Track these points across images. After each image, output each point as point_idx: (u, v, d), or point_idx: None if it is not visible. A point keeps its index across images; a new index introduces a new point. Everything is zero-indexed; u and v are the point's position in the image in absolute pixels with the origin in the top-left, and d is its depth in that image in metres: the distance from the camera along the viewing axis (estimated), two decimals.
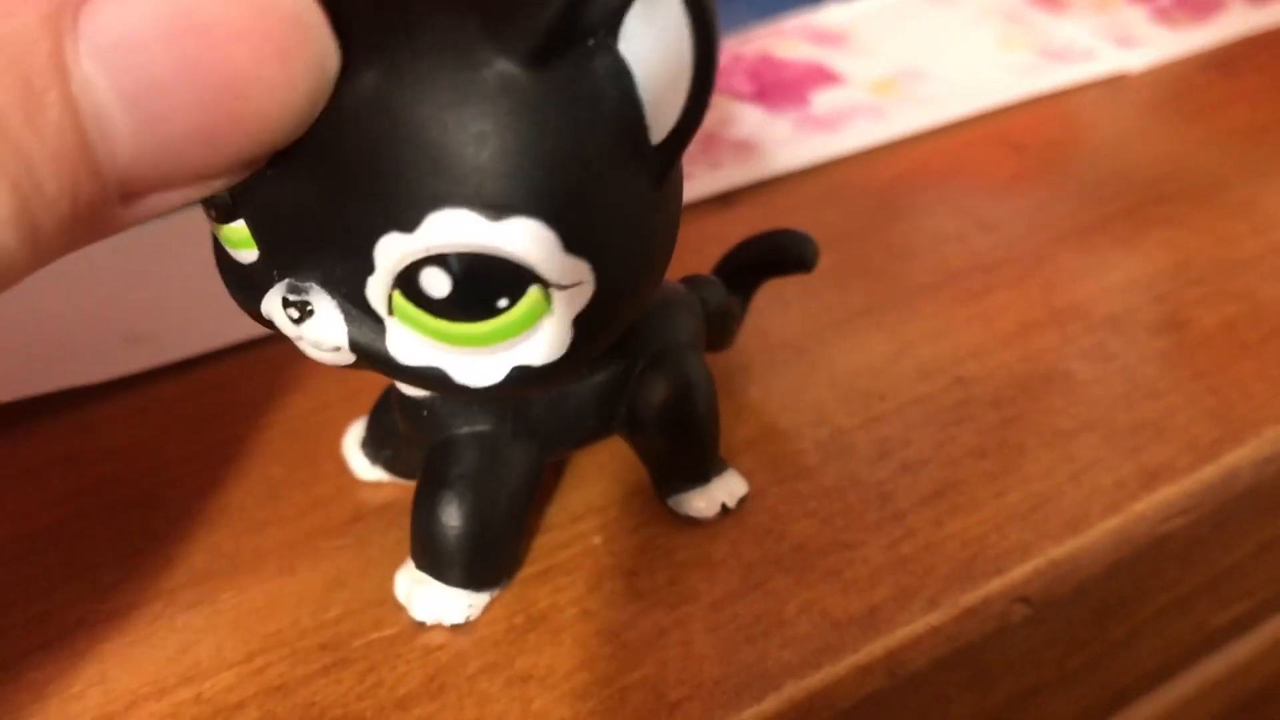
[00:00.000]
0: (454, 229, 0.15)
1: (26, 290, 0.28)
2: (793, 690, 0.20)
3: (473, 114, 0.15)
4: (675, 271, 0.20)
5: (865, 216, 0.32)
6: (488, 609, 0.21)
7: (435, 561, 0.20)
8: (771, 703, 0.20)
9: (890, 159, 0.35)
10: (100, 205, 0.14)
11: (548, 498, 0.23)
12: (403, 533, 0.22)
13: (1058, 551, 0.22)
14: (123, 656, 0.21)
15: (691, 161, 0.33)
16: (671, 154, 0.16)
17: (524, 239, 0.15)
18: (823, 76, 0.38)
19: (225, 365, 0.27)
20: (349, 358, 0.17)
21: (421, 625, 0.21)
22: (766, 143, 0.34)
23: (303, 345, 0.17)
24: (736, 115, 0.36)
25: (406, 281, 0.16)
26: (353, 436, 0.24)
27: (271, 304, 0.17)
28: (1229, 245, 0.31)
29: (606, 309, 0.17)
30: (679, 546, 0.22)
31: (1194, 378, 0.26)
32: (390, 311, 0.16)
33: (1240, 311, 0.28)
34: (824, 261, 0.24)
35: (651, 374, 0.21)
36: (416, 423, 0.21)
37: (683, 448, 0.22)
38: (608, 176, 0.16)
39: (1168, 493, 0.23)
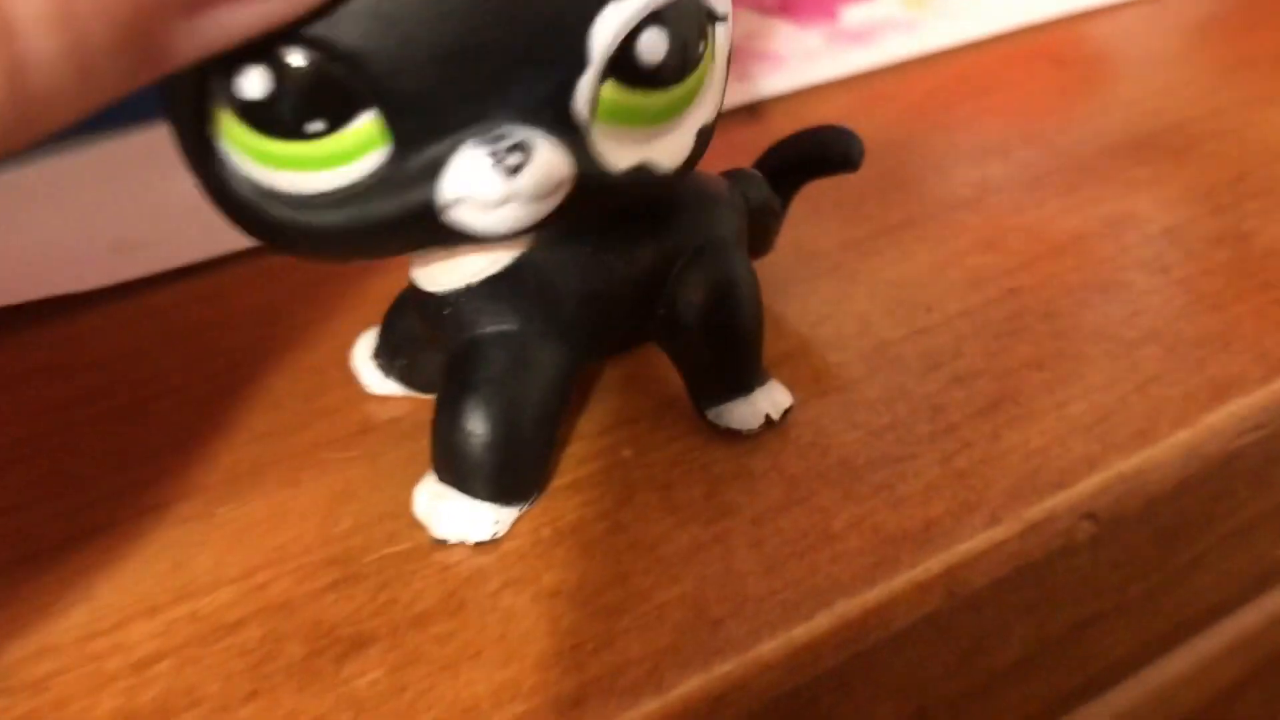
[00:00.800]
0: None
1: (11, 195, 0.27)
2: (845, 608, 0.18)
3: None
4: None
5: (902, 129, 0.30)
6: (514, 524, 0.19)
7: (459, 472, 0.19)
8: (823, 620, 0.18)
9: (925, 73, 0.33)
10: (159, 16, 0.12)
11: (573, 409, 0.21)
12: (417, 445, 0.21)
13: (1125, 465, 0.20)
14: (111, 572, 0.19)
15: None
16: None
17: None
18: None
19: (219, 274, 0.25)
20: (560, 197, 0.16)
21: (442, 542, 0.19)
22: (796, 55, 0.33)
23: (498, 215, 0.15)
24: (762, 29, 0.34)
25: (620, 62, 0.15)
26: (363, 348, 0.22)
27: (469, 174, 0.15)
28: None
29: (730, 48, 0.17)
30: (715, 460, 0.21)
31: (1259, 289, 0.25)
32: (596, 115, 0.15)
33: None
34: (860, 173, 0.23)
35: (692, 271, 0.20)
36: (438, 322, 0.19)
37: (725, 353, 0.20)
38: None
39: (1239, 406, 0.22)
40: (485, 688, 0.17)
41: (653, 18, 0.15)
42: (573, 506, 0.20)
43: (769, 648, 0.17)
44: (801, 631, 0.18)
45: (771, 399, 0.21)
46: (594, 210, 0.17)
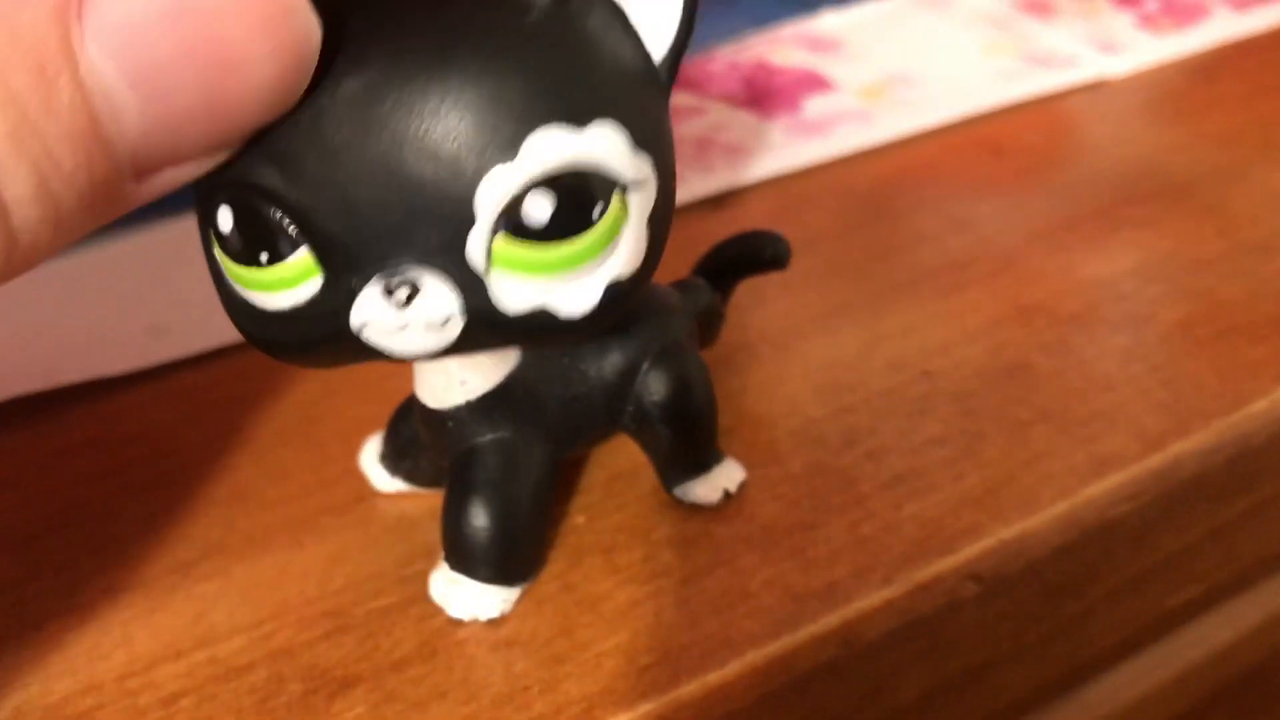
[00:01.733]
0: (550, 145, 0.17)
1: (55, 285, 0.30)
2: (754, 657, 0.22)
3: (533, 45, 0.17)
4: (667, 270, 0.21)
5: (847, 218, 0.34)
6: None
7: (468, 561, 0.22)
8: (734, 668, 0.21)
9: (875, 163, 0.37)
10: (115, 181, 0.15)
11: None
12: (401, 513, 0.24)
13: (1007, 532, 0.24)
14: (145, 622, 0.23)
15: (685, 165, 0.34)
16: (672, 71, 0.19)
17: (606, 141, 0.17)
18: (815, 83, 0.40)
19: (240, 357, 0.29)
20: (453, 331, 0.18)
21: (414, 598, 0.23)
22: (757, 147, 0.36)
23: (400, 339, 0.18)
24: (729, 121, 0.38)
25: (508, 220, 0.17)
26: (370, 452, 0.25)
27: (368, 305, 0.17)
28: (1194, 246, 0.32)
29: (664, 208, 0.19)
30: (655, 526, 0.24)
31: (1149, 372, 0.28)
32: (492, 263, 0.17)
33: (1199, 309, 0.30)
34: (805, 262, 0.26)
35: (654, 373, 0.23)
36: (441, 434, 0.22)
37: (685, 440, 0.24)
38: (640, 83, 0.18)
39: (1116, 479, 0.25)
40: None
41: (538, 183, 0.17)
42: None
43: (687, 690, 0.21)
44: (715, 677, 0.21)
45: (728, 475, 0.25)
46: (500, 343, 0.20)
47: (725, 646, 0.22)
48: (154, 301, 0.30)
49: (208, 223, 0.18)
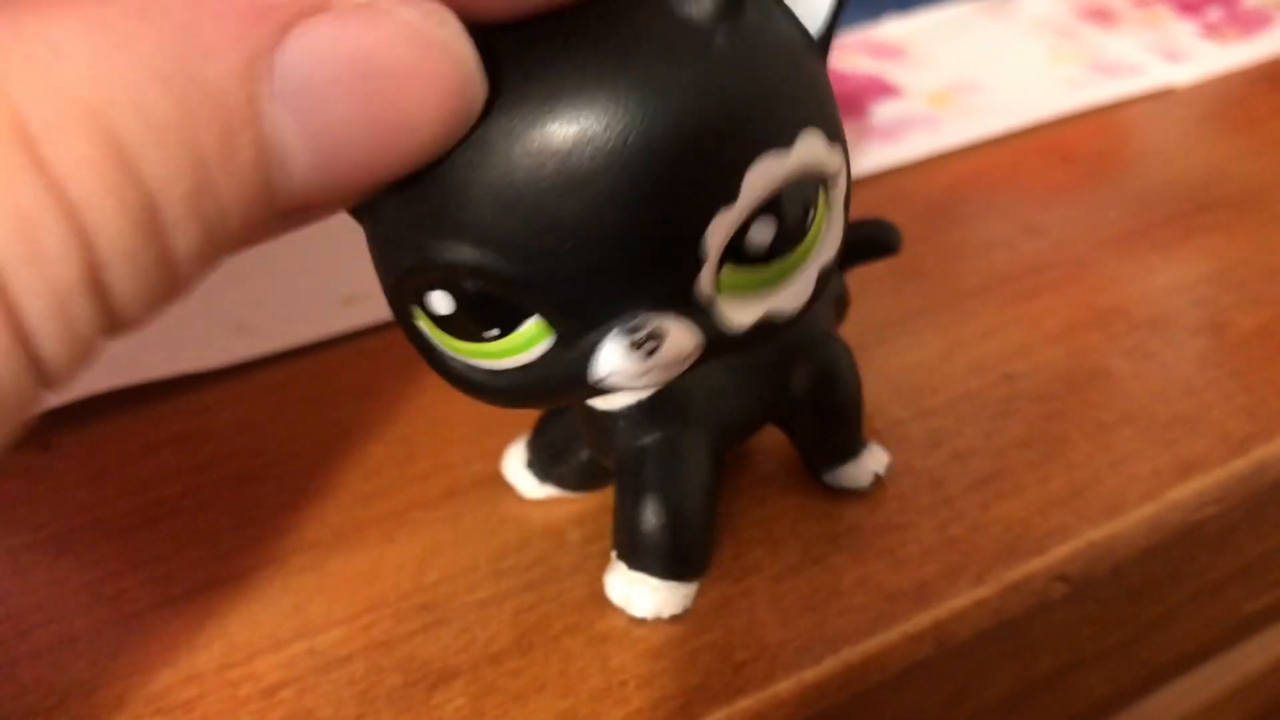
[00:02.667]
0: (766, 175, 0.16)
1: None
2: (848, 654, 0.22)
3: (727, 73, 0.16)
4: None
5: (920, 223, 0.34)
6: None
7: (648, 560, 0.22)
8: (829, 665, 0.22)
9: (945, 168, 0.37)
10: (265, 223, 0.15)
11: None
12: (492, 507, 0.25)
13: (1095, 534, 0.24)
14: (242, 614, 0.23)
15: None
16: (828, 40, 0.18)
17: (810, 149, 0.17)
18: (881, 89, 0.40)
19: (325, 355, 0.29)
20: (693, 360, 0.18)
21: (509, 591, 0.23)
22: None
23: (643, 380, 0.17)
24: None
25: (735, 250, 0.17)
26: (514, 461, 0.25)
27: (613, 357, 0.17)
28: (1268, 252, 0.32)
29: (849, 186, 0.19)
30: (744, 525, 0.24)
31: (1229, 376, 0.28)
32: (717, 293, 0.17)
33: (1277, 314, 0.30)
34: (880, 266, 0.26)
35: (804, 364, 0.23)
36: (610, 435, 0.22)
37: (834, 428, 0.24)
38: (815, 69, 0.18)
39: (1201, 483, 0.25)
40: (548, 715, 0.21)
41: (760, 209, 0.17)
42: None
43: (783, 687, 0.21)
44: (811, 674, 0.21)
45: (876, 459, 0.25)
46: (730, 356, 0.19)
47: (820, 644, 0.22)
48: (239, 300, 0.30)
49: (411, 300, 0.18)
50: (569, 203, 0.16)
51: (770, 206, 0.17)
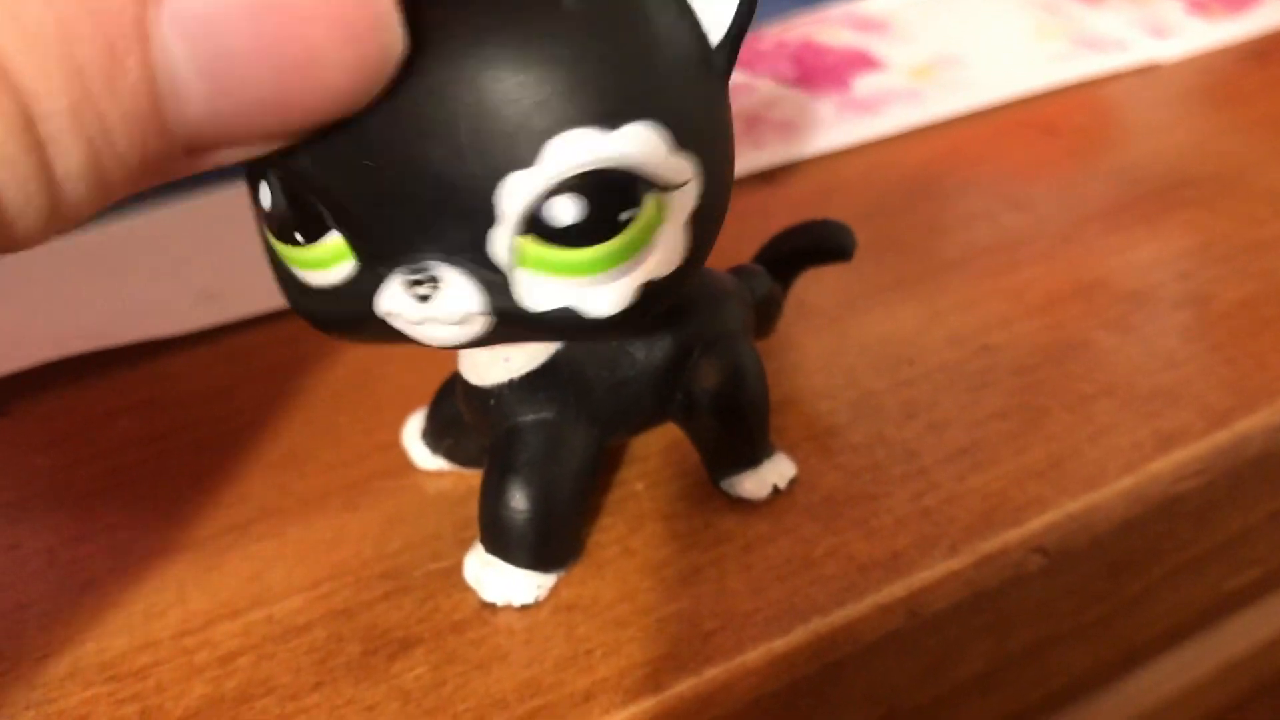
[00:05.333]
0: (575, 149, 0.16)
1: (107, 249, 0.30)
2: (819, 624, 0.21)
3: (567, 38, 0.16)
4: (721, 249, 0.20)
5: (900, 195, 0.34)
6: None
7: (504, 545, 0.21)
8: (799, 635, 0.21)
9: (926, 141, 0.36)
10: (165, 158, 0.15)
11: None
12: (458, 477, 0.24)
13: (1073, 505, 0.23)
14: (200, 581, 0.22)
15: (736, 141, 0.34)
16: (731, 56, 0.18)
17: (640, 143, 0.16)
18: (864, 62, 0.40)
19: (291, 322, 0.28)
20: (477, 326, 0.17)
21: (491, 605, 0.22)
22: (808, 124, 0.36)
23: (424, 330, 0.17)
24: (780, 98, 0.37)
25: (532, 221, 0.16)
26: (412, 428, 0.25)
27: (391, 295, 0.17)
28: (1253, 227, 0.32)
29: (711, 207, 0.18)
30: (715, 494, 0.24)
31: (1212, 349, 0.27)
32: (516, 261, 0.17)
33: (1260, 289, 0.30)
34: (859, 237, 0.26)
35: (705, 361, 0.22)
36: (484, 412, 0.21)
37: (734, 432, 0.23)
38: (692, 73, 0.17)
39: (1181, 455, 0.25)
40: (511, 684, 0.20)
41: (565, 185, 0.16)
42: (590, 533, 0.23)
43: (752, 656, 0.21)
44: (780, 644, 0.21)
45: (778, 470, 0.24)
46: (527, 338, 0.19)
47: (790, 614, 0.21)
48: (205, 266, 0.30)
49: (255, 198, 0.18)
50: (389, 127, 0.16)
51: (576, 187, 0.16)
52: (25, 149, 0.13)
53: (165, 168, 0.15)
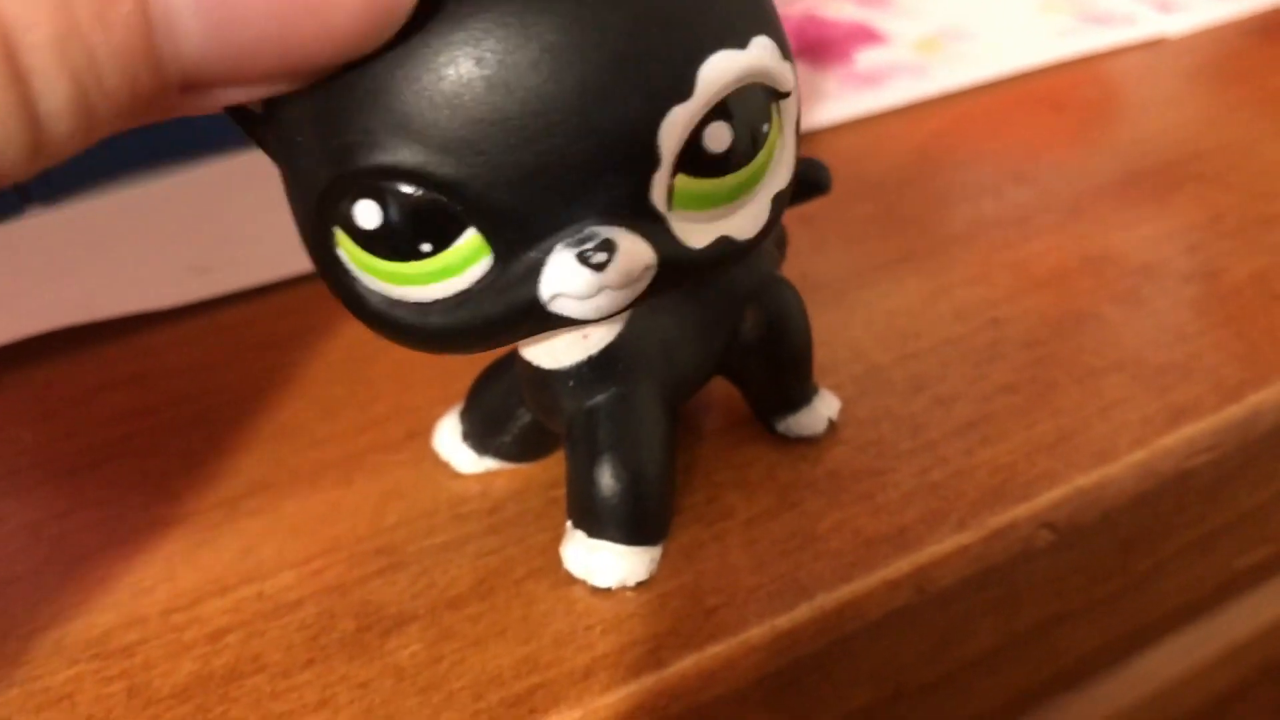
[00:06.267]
0: (722, 71, 0.16)
1: (98, 220, 0.30)
2: (824, 600, 0.21)
3: None
4: None
5: (905, 169, 0.33)
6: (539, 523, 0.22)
7: (610, 526, 0.20)
8: (804, 611, 0.20)
9: (931, 115, 0.36)
10: (158, 96, 0.14)
11: None
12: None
13: (1084, 480, 0.23)
14: (189, 557, 0.22)
15: None
16: None
17: (767, 55, 0.16)
18: (867, 35, 0.39)
19: (285, 295, 0.28)
20: (643, 283, 0.17)
21: (470, 535, 0.22)
22: (811, 96, 0.35)
23: (592, 304, 0.16)
24: None
25: (689, 156, 0.16)
26: (447, 434, 0.24)
27: (560, 273, 0.16)
28: (1262, 202, 0.31)
29: (799, 116, 0.18)
30: (718, 468, 0.23)
31: (1223, 323, 0.27)
32: (671, 204, 0.16)
33: (1270, 263, 0.29)
34: (864, 210, 0.25)
35: (754, 308, 0.22)
36: (560, 395, 0.20)
37: (788, 376, 0.23)
38: None
39: (1193, 429, 0.24)
40: (509, 660, 0.20)
41: (715, 112, 0.16)
42: None
43: (755, 633, 0.20)
44: (784, 620, 0.20)
45: (828, 405, 0.24)
46: (685, 283, 0.18)
47: (794, 589, 0.21)
48: (197, 239, 0.29)
49: (332, 220, 0.16)
50: (512, 98, 0.15)
51: (725, 112, 0.16)
52: (6, 82, 0.12)
53: (158, 106, 0.14)
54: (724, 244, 0.17)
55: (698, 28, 0.15)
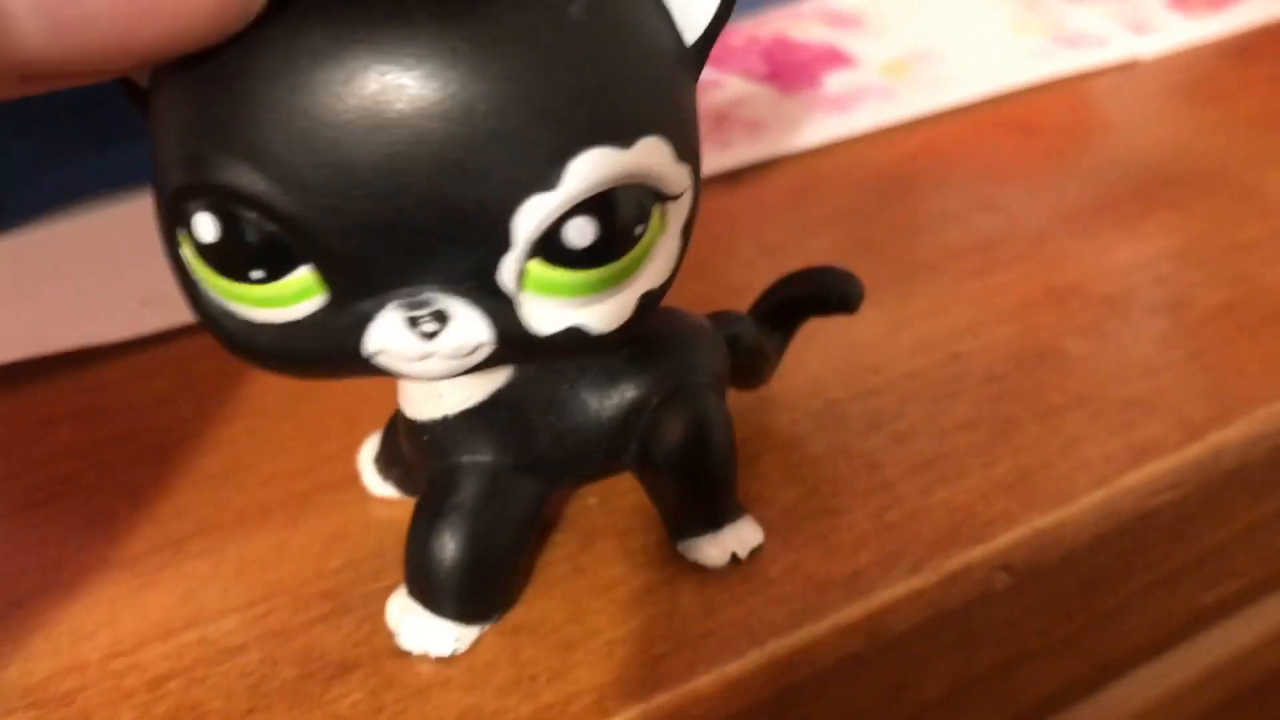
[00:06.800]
0: (596, 168, 0.15)
1: (45, 252, 0.29)
2: (775, 647, 0.20)
3: (579, 50, 0.15)
4: (693, 269, 0.20)
5: (871, 196, 0.33)
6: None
7: (426, 591, 0.20)
8: (754, 658, 0.20)
9: (900, 140, 0.35)
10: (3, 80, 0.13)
11: None
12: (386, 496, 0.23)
13: (1042, 521, 0.23)
14: (131, 600, 0.21)
15: (702, 140, 0.33)
16: (703, 55, 0.17)
17: (654, 158, 0.15)
18: (835, 58, 0.39)
19: None
20: (480, 355, 0.16)
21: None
22: (777, 122, 0.35)
23: (420, 367, 0.16)
24: (749, 96, 0.36)
25: (545, 244, 0.15)
26: (368, 451, 0.24)
27: (386, 332, 0.16)
28: (1232, 229, 0.31)
29: (695, 211, 0.17)
30: None
31: (1189, 357, 0.27)
32: (522, 286, 0.16)
33: (1239, 294, 0.29)
34: (827, 239, 0.25)
35: (666, 412, 0.21)
36: (419, 448, 0.20)
37: (694, 492, 0.21)
38: (679, 80, 0.16)
39: (1155, 468, 0.24)
40: (451, 712, 0.19)
41: (582, 207, 0.15)
42: (539, 549, 0.22)
43: (704, 681, 0.20)
44: (734, 667, 0.20)
45: (739, 537, 0.22)
46: (527, 361, 0.17)
47: (744, 635, 0.20)
48: (147, 270, 0.29)
49: (176, 221, 0.15)
50: (369, 146, 0.14)
51: (593, 208, 0.15)
52: None
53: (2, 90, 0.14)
54: (574, 334, 0.17)
55: (576, 120, 0.15)
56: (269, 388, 0.26)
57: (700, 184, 0.17)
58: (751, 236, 0.24)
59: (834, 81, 0.37)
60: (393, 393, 0.23)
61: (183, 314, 0.28)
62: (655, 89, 0.16)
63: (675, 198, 0.16)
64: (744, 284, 0.24)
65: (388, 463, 0.23)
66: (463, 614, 0.20)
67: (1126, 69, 0.40)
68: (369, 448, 0.24)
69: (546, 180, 0.15)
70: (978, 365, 0.26)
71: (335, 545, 0.22)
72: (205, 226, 0.15)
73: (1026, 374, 0.26)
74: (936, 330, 0.27)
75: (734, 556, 0.22)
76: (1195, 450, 0.24)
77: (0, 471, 0.24)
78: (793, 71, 0.38)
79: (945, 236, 0.31)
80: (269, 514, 0.23)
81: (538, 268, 0.16)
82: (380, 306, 0.15)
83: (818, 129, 0.35)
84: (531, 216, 0.15)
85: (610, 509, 0.23)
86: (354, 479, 0.24)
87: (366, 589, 0.21)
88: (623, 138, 0.15)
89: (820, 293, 0.24)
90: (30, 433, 0.25)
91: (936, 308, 0.28)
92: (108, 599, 0.21)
